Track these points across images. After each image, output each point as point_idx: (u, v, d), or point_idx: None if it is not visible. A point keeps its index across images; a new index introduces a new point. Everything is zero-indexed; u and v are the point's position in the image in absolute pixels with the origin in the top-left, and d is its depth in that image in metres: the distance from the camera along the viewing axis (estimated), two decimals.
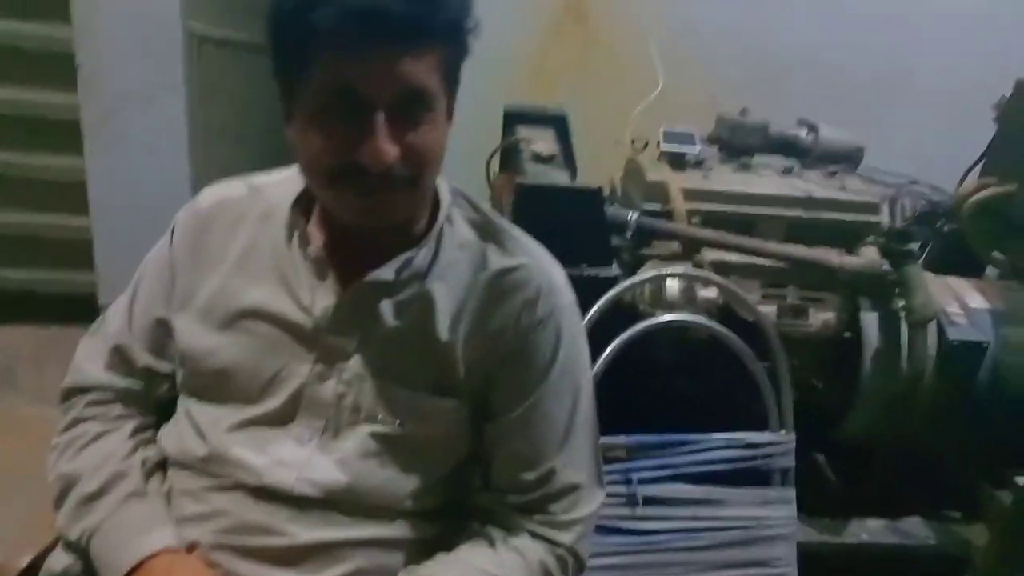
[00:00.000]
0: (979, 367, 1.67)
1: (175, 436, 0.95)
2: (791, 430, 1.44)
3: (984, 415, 1.67)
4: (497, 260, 0.92)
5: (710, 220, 1.70)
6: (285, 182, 0.94)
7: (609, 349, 1.38)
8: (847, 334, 1.71)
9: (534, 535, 0.93)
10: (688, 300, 1.56)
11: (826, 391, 1.76)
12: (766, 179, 1.81)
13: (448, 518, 0.96)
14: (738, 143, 1.87)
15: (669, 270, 1.54)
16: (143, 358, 0.98)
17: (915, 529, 1.74)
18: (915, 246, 1.72)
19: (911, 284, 1.62)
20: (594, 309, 1.38)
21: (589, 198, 1.53)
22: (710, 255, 1.66)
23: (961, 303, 1.71)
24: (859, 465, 1.86)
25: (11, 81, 2.29)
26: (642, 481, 1.36)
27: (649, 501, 1.36)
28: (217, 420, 0.92)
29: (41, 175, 2.38)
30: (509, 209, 1.53)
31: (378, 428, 0.90)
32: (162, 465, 0.97)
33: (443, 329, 0.89)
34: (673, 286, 1.57)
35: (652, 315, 1.48)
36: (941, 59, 2.44)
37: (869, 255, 1.69)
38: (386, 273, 0.89)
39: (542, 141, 1.71)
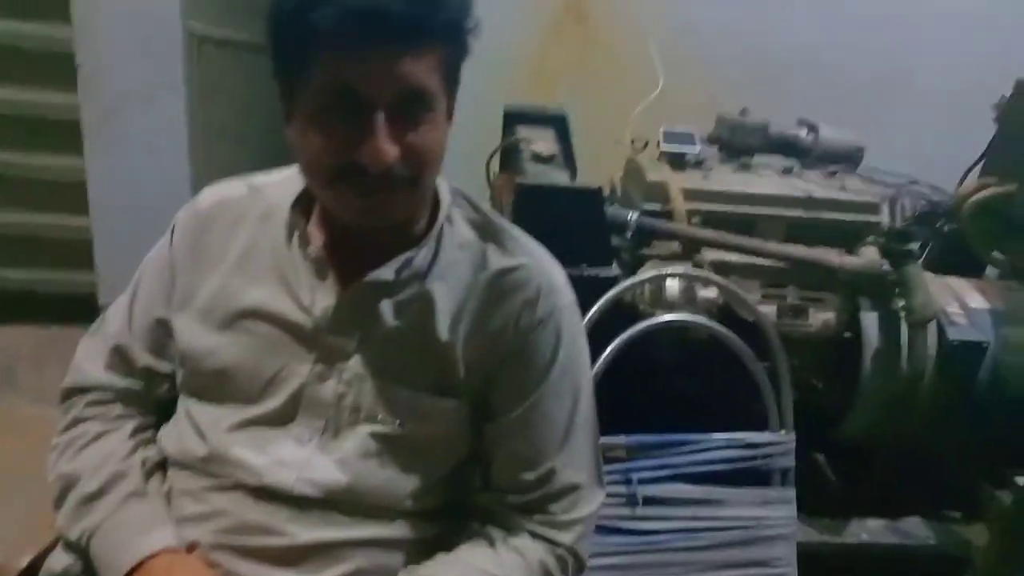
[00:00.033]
0: (979, 367, 1.67)
1: (175, 436, 0.95)
2: (791, 430, 1.44)
3: (984, 415, 1.67)
4: (497, 260, 0.92)
5: (710, 220, 1.70)
6: (285, 182, 0.94)
7: (609, 349, 1.38)
8: (847, 334, 1.71)
9: (534, 535, 0.93)
10: (688, 300, 1.56)
11: (826, 391, 1.76)
12: (766, 179, 1.81)
13: (448, 518, 0.96)
14: (738, 143, 1.87)
15: (669, 270, 1.54)
16: (143, 358, 0.98)
17: (915, 529, 1.74)
18: (915, 246, 1.72)
19: (911, 284, 1.62)
20: (594, 309, 1.38)
21: (589, 198, 1.53)
22: (710, 255, 1.66)
23: (961, 303, 1.71)
24: (859, 465, 1.86)
25: (11, 81, 2.29)
26: (642, 481, 1.36)
27: (649, 501, 1.36)
28: (217, 420, 0.92)
29: (41, 175, 2.38)
30: (509, 209, 1.53)
31: (378, 428, 0.90)
32: (162, 465, 0.97)
33: (443, 329, 0.89)
34: (673, 286, 1.57)
35: (652, 315, 1.48)
36: (941, 59, 2.44)
37: (869, 255, 1.69)
38: (386, 273, 0.89)
39: (542, 141, 1.71)
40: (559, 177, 1.61)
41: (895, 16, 2.41)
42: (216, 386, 0.92)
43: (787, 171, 1.85)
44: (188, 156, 1.67)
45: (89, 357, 1.00)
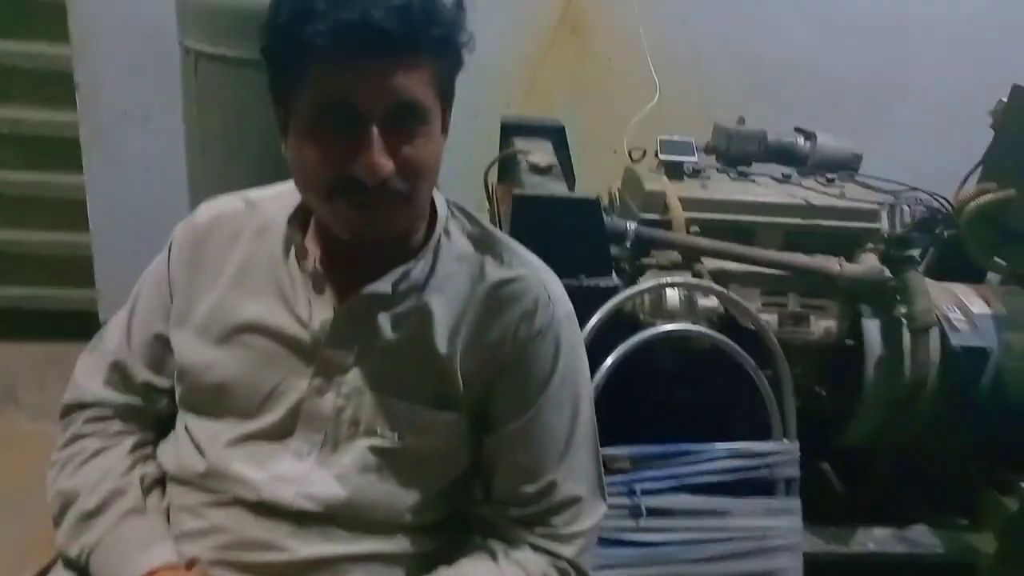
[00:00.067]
0: (982, 373, 1.67)
1: (174, 452, 0.95)
2: (794, 439, 1.43)
3: (987, 420, 1.67)
4: (494, 272, 0.92)
5: (709, 229, 1.70)
6: (281, 196, 0.95)
7: (610, 359, 1.38)
8: (849, 341, 1.71)
9: (536, 548, 0.92)
10: (688, 309, 1.56)
11: (829, 399, 1.75)
12: (764, 187, 1.81)
13: (448, 532, 0.96)
14: (735, 152, 1.88)
15: (669, 279, 1.53)
16: (142, 374, 0.97)
17: (922, 537, 1.72)
18: (915, 252, 1.72)
19: (912, 290, 1.62)
20: (594, 319, 1.38)
21: (587, 208, 1.53)
22: (710, 264, 1.66)
23: (963, 309, 1.71)
24: (862, 472, 1.85)
25: (10, 100, 2.31)
26: (645, 492, 1.36)
27: (653, 512, 1.35)
28: (216, 435, 0.91)
29: (41, 193, 2.40)
30: (507, 220, 1.53)
31: (377, 442, 0.90)
32: (161, 481, 0.96)
33: (441, 341, 0.89)
34: (673, 295, 1.56)
35: (652, 325, 1.48)
36: (937, 66, 2.45)
37: (869, 262, 1.69)
38: (383, 286, 0.89)
39: (540, 152, 1.72)
40: (557, 188, 1.61)
41: (890, 24, 2.42)
42: (214, 401, 0.92)
43: (785, 179, 1.85)
44: (186, 172, 1.67)
45: (88, 373, 1.00)
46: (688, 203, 1.70)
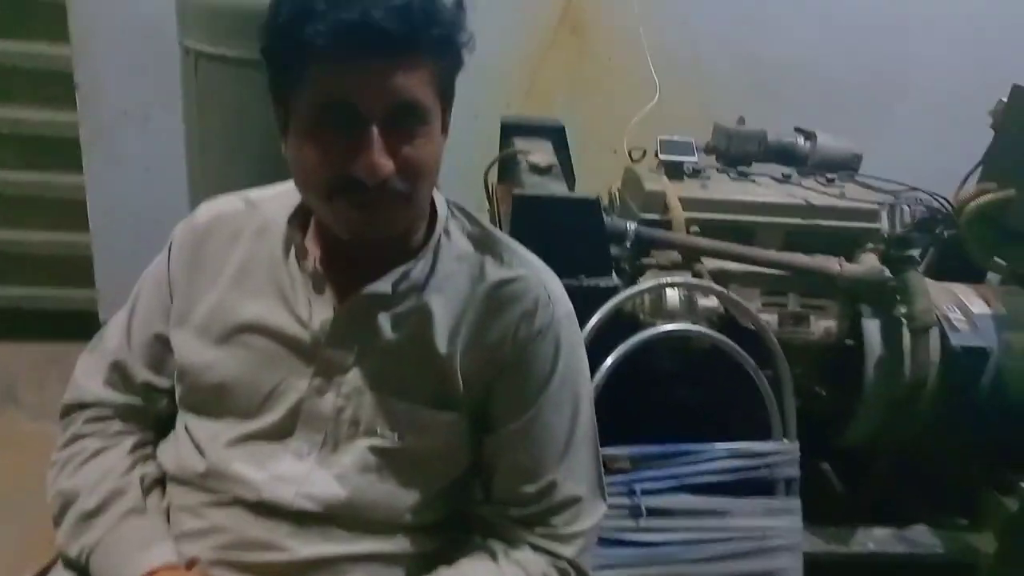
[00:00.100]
0: (982, 373, 1.67)
1: (174, 452, 0.95)
2: (794, 439, 1.43)
3: (987, 420, 1.67)
4: (494, 272, 0.92)
5: (709, 229, 1.69)
6: (281, 196, 0.95)
7: (610, 359, 1.38)
8: (849, 341, 1.71)
9: (536, 548, 0.92)
10: (688, 309, 1.56)
11: (829, 398, 1.75)
12: (764, 187, 1.81)
13: (449, 532, 0.96)
14: (735, 152, 1.88)
15: (669, 279, 1.53)
16: (142, 374, 0.97)
17: (922, 538, 1.72)
18: (915, 252, 1.72)
19: (912, 290, 1.62)
20: (594, 319, 1.38)
21: (587, 208, 1.53)
22: (710, 264, 1.66)
23: (963, 309, 1.71)
24: (862, 472, 1.85)
25: (10, 100, 2.31)
26: (645, 492, 1.36)
27: (653, 512, 1.35)
28: (216, 435, 0.91)
29: (41, 193, 2.40)
30: (507, 220, 1.53)
31: (377, 442, 0.90)
32: (161, 481, 0.96)
33: (441, 341, 0.89)
34: (673, 295, 1.56)
35: (652, 325, 1.48)
36: (936, 65, 2.45)
37: (869, 262, 1.69)
38: (383, 286, 0.89)
39: (540, 152, 1.72)
40: (557, 188, 1.61)
41: (890, 24, 2.42)
42: (214, 401, 0.92)
43: (785, 179, 1.85)
44: (186, 172, 1.67)
45: (88, 373, 1.00)
46: (688, 203, 1.70)
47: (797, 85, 2.40)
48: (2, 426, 2.15)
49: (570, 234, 1.44)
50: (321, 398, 0.90)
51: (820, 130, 1.92)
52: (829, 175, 1.86)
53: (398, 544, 0.91)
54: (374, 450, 0.90)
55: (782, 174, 1.87)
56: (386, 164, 0.79)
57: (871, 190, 1.85)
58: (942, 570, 1.71)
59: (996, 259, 1.82)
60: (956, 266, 1.85)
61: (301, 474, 0.89)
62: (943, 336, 1.65)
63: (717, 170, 1.87)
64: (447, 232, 0.94)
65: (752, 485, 1.41)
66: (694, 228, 1.69)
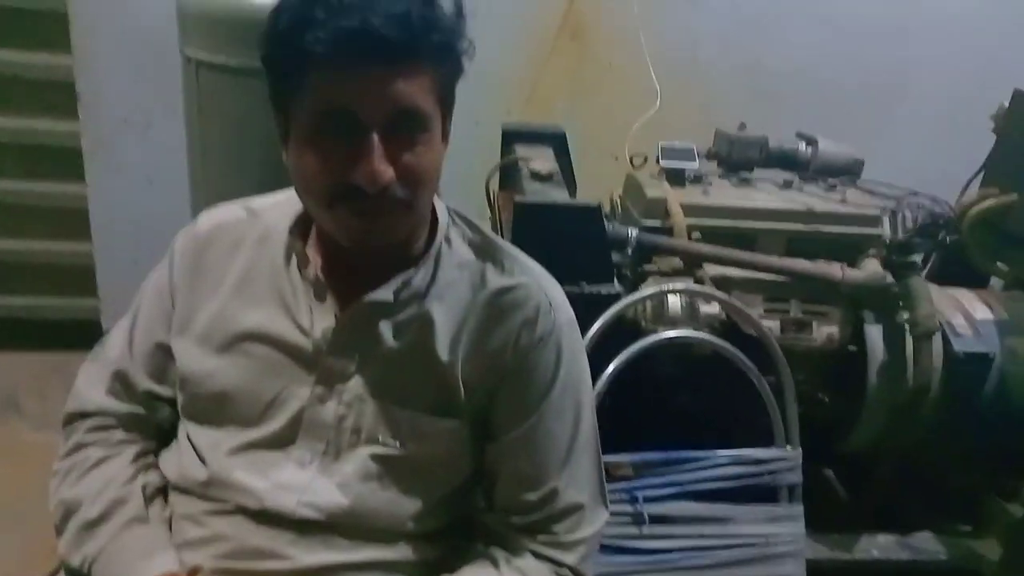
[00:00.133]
0: (985, 378, 1.66)
1: (175, 460, 0.95)
2: (797, 445, 1.43)
3: (990, 426, 1.66)
4: (495, 279, 0.92)
5: (710, 235, 1.69)
6: (282, 204, 0.95)
7: (612, 366, 1.37)
8: (851, 347, 1.70)
9: (538, 555, 0.92)
10: (690, 316, 1.56)
11: (831, 405, 1.75)
12: (766, 193, 1.81)
13: (450, 539, 0.96)
14: (737, 158, 1.88)
15: (671, 286, 1.53)
16: (144, 383, 0.97)
17: (925, 544, 1.72)
18: (917, 258, 1.71)
19: (914, 296, 1.62)
20: (596, 326, 1.38)
21: (589, 215, 1.53)
22: (711, 270, 1.66)
23: (966, 314, 1.71)
24: (866, 478, 1.85)
25: (12, 109, 2.31)
26: (648, 499, 1.35)
27: (655, 520, 1.35)
28: (217, 444, 0.91)
29: (43, 202, 2.40)
30: (509, 227, 1.53)
31: (379, 450, 0.90)
32: (163, 490, 0.96)
33: (443, 349, 0.89)
34: (675, 302, 1.56)
35: (654, 331, 1.47)
36: (937, 70, 2.45)
37: (871, 267, 1.69)
38: (385, 294, 0.89)
39: (541, 159, 1.72)
40: (558, 195, 1.61)
41: (891, 29, 2.42)
42: (216, 409, 0.92)
43: (787, 185, 1.85)
44: (187, 180, 1.68)
45: (90, 382, 1.00)
46: (689, 209, 1.70)
47: (798, 90, 2.40)
48: (4, 435, 2.15)
49: (572, 241, 1.44)
50: (323, 406, 0.90)
51: (821, 135, 1.92)
52: (831, 181, 1.86)
53: (400, 552, 0.91)
54: (376, 458, 0.89)
55: (784, 180, 1.87)
56: (386, 171, 0.79)
57: (873, 195, 1.85)
58: None
59: (999, 264, 1.82)
60: (959, 271, 1.85)
61: (303, 482, 0.89)
62: (946, 342, 1.65)
63: (719, 176, 1.87)
64: (448, 240, 0.94)
65: (755, 492, 1.40)
66: (696, 234, 1.69)
